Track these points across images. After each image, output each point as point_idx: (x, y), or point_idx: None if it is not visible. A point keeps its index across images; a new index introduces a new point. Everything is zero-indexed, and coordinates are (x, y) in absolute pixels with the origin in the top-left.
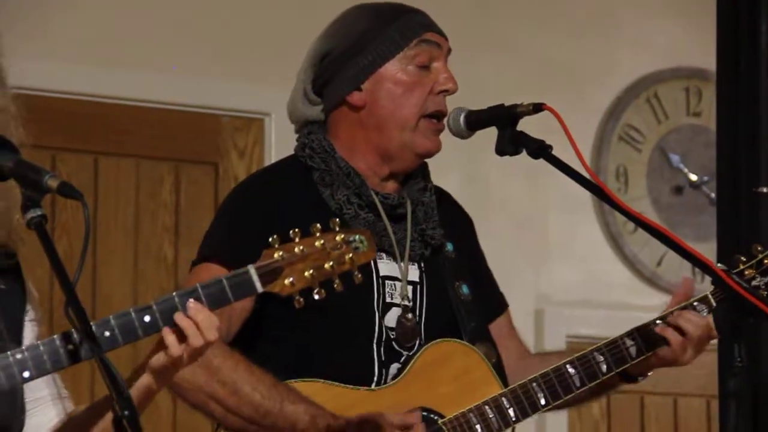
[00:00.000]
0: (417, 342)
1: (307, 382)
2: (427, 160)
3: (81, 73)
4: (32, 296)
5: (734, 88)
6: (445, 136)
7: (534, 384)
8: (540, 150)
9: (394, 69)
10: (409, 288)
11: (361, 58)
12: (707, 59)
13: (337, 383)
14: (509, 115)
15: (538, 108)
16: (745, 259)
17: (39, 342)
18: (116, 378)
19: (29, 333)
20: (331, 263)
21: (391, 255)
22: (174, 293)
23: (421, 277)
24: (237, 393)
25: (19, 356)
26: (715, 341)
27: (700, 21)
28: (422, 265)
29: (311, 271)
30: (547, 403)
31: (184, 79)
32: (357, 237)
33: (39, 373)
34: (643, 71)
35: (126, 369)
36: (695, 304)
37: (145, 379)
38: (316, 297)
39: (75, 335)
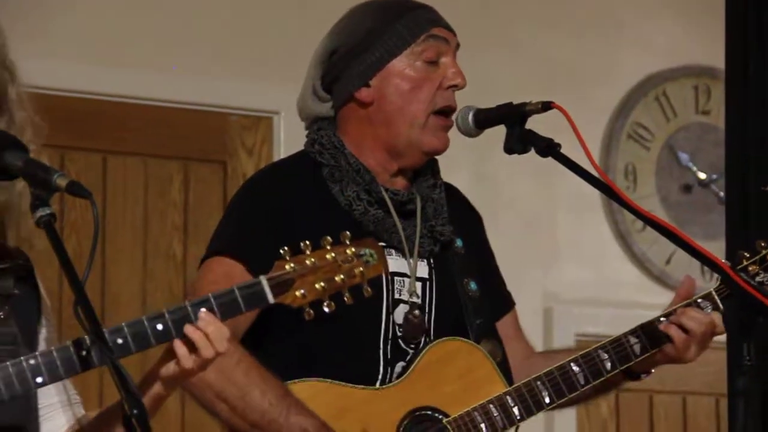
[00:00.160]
0: (423, 339)
1: (311, 382)
2: (436, 157)
3: (89, 72)
4: (45, 304)
5: (743, 87)
6: (454, 135)
7: (538, 382)
8: (549, 148)
9: (402, 65)
10: (419, 285)
11: (369, 54)
12: (708, 58)
13: (341, 382)
14: (518, 114)
15: (546, 106)
16: (748, 255)
17: (53, 348)
18: (127, 381)
19: (42, 340)
20: (341, 276)
21: (401, 251)
22: (186, 302)
23: (430, 273)
24: (246, 397)
25: (32, 362)
26: (722, 338)
27: (700, 21)
28: (431, 261)
29: (322, 284)
30: (552, 401)
31: (193, 77)
32: (367, 251)
33: (52, 378)
34: (645, 71)
35: (135, 373)
36: (699, 301)
37: (155, 387)
38: (326, 310)
39: (88, 341)
